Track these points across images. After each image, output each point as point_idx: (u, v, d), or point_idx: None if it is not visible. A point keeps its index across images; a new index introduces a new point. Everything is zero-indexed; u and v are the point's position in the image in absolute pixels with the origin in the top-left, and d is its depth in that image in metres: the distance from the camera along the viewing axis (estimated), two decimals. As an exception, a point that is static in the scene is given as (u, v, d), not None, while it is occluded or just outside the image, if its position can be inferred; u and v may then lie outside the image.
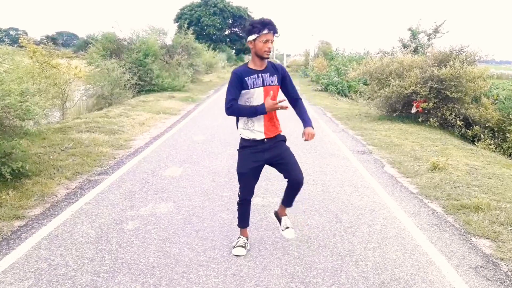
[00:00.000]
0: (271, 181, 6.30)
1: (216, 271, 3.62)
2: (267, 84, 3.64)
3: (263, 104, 3.55)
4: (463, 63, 12.22)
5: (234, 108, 3.62)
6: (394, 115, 13.33)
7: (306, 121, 3.84)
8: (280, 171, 3.93)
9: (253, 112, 3.59)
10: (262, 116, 3.67)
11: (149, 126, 10.62)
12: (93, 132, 9.08)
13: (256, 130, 3.72)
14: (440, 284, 3.57)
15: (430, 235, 4.59)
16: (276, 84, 3.69)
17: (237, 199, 4.06)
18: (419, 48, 20.15)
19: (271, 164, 3.92)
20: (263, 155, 3.79)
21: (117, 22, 22.48)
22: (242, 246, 4.02)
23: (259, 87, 3.63)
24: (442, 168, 7.06)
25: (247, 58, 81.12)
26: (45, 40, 15.32)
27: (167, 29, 24.16)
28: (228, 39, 69.73)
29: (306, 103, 17.65)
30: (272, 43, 3.55)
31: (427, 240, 4.46)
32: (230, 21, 67.98)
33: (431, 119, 12.40)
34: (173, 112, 13.30)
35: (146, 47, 19.78)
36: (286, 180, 3.92)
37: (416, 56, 15.02)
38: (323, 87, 25.34)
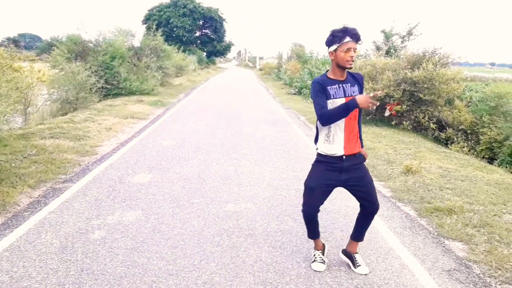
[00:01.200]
0: (243, 187, 6.33)
1: (186, 280, 3.62)
2: (349, 94, 3.52)
3: (354, 99, 3.32)
4: (436, 65, 12.50)
5: (327, 114, 3.43)
6: (368, 118, 13.52)
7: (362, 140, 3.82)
8: (356, 197, 3.78)
9: (345, 109, 3.35)
10: (343, 128, 3.55)
11: (116, 131, 10.52)
12: (57, 138, 8.94)
13: (335, 142, 3.58)
14: (414, 287, 3.65)
15: (403, 239, 4.69)
16: (357, 95, 3.48)
17: (300, 213, 3.95)
18: (391, 50, 20.49)
19: (346, 187, 3.71)
20: (339, 176, 3.63)
21: (83, 24, 22.20)
22: (320, 262, 3.95)
23: (341, 97, 3.50)
24: (415, 171, 7.21)
25: (218, 60, 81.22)
26: (6, 42, 15.04)
27: (135, 30, 23.92)
28: (199, 41, 69.60)
29: (279, 106, 17.81)
30: (355, 51, 3.42)
31: (400, 243, 4.56)
32: (201, 22, 67.91)
33: (404, 122, 12.63)
34: (141, 117, 13.20)
35: (113, 49, 19.56)
36: (360, 207, 3.82)
37: (389, 58, 15.29)
38: (296, 90, 25.52)
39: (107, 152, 8.29)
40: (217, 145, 9.33)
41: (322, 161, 3.69)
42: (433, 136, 12.53)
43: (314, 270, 3.89)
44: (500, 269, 4.05)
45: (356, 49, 3.44)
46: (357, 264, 3.92)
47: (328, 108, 3.46)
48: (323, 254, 4.03)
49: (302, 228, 4.83)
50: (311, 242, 4.46)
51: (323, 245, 4.11)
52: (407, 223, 5.18)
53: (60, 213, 5.04)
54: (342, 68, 3.49)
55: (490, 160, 10.73)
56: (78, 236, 4.43)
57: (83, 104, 14.83)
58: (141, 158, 7.85)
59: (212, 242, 4.41)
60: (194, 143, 9.41)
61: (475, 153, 11.12)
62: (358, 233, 3.96)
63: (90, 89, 15.63)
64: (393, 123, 12.82)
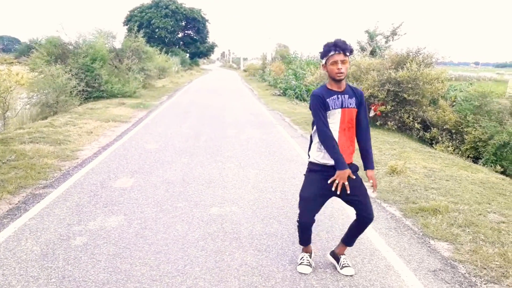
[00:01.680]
0: (228, 190, 6.33)
1: (170, 286, 3.61)
2: (346, 106, 3.57)
3: (345, 164, 3.51)
4: (420, 65, 12.62)
5: (324, 136, 3.55)
6: (353, 119, 13.58)
7: (369, 161, 3.76)
8: (351, 206, 3.81)
9: (333, 158, 3.53)
10: (336, 138, 3.57)
11: (98, 135, 10.45)
12: (37, 143, 8.85)
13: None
14: (399, 288, 3.69)
15: (389, 239, 4.74)
16: (354, 107, 3.60)
17: (296, 223, 3.94)
18: (376, 50, 20.66)
19: (340, 197, 3.70)
20: (332, 185, 3.61)
21: (62, 26, 21.96)
22: (307, 265, 3.97)
23: (338, 108, 3.56)
24: (400, 172, 7.28)
25: (202, 62, 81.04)
26: (-17, 45, 14.84)
27: (116, 32, 23.81)
28: (181, 42, 69.38)
29: (263, 108, 17.82)
30: (343, 63, 3.48)
31: (386, 244, 4.60)
32: (183, 23, 67.68)
33: (389, 123, 12.74)
34: (123, 120, 13.12)
35: (94, 51, 19.43)
36: (356, 216, 3.82)
37: (374, 58, 15.41)
38: (281, 91, 25.58)
39: (88, 157, 8.22)
40: (201, 147, 9.32)
41: (315, 170, 3.72)
42: (418, 136, 12.65)
43: (300, 273, 3.91)
44: (485, 268, 4.10)
45: (344, 61, 3.49)
46: (343, 265, 3.95)
47: (328, 120, 3.56)
48: (310, 258, 4.05)
49: (288, 231, 4.85)
50: (297, 244, 4.47)
51: (311, 250, 4.14)
52: (392, 224, 5.23)
53: (40, 220, 4.99)
54: (334, 80, 3.56)
55: (475, 160, 10.86)
56: (59, 242, 4.39)
57: (63, 108, 14.70)
58: (123, 162, 7.81)
59: (196, 246, 4.40)
60: (178, 146, 9.39)
61: (460, 152, 11.25)
62: (350, 239, 3.98)
63: (71, 92, 15.51)
64: (378, 123, 12.92)
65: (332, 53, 3.48)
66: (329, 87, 3.62)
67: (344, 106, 3.56)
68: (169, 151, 8.85)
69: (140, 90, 22.30)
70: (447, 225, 5.12)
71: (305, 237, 3.98)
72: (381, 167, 7.81)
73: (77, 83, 16.35)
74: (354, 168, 3.70)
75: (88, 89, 18.14)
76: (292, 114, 16.17)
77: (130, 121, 13.06)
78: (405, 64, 12.70)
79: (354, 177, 3.57)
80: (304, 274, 3.89)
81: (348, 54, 3.52)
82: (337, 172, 3.49)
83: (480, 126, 11.16)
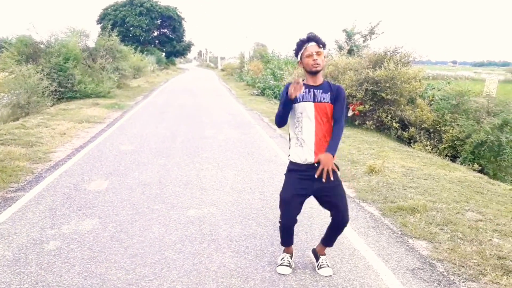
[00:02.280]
0: (206, 191, 6.32)
1: (147, 289, 3.59)
2: (319, 100, 3.58)
3: (286, 87, 3.55)
4: (398, 64, 12.77)
5: (276, 115, 3.68)
6: (332, 118, 13.65)
7: (329, 145, 3.61)
8: (326, 207, 3.84)
9: (282, 102, 3.55)
10: (312, 132, 3.59)
11: (71, 137, 10.33)
12: (8, 145, 8.71)
13: (306, 146, 3.61)
14: (378, 288, 3.73)
15: (368, 239, 4.79)
16: (328, 102, 3.59)
17: (278, 223, 3.96)
18: (354, 49, 20.83)
19: (317, 197, 3.78)
20: (311, 184, 3.66)
21: (33, 24, 21.62)
22: (287, 265, 3.98)
23: (309, 101, 3.58)
24: (379, 171, 7.36)
25: (178, 61, 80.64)
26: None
27: (89, 30, 23.50)
28: (157, 41, 68.91)
29: (242, 108, 17.83)
30: (318, 54, 3.53)
31: (365, 244, 4.65)
32: (159, 21, 67.22)
33: (367, 122, 12.86)
34: (97, 121, 13.00)
35: (66, 51, 19.19)
36: (331, 218, 3.85)
37: (351, 58, 15.54)
38: (259, 91, 25.61)
39: (62, 159, 8.13)
40: (178, 149, 9.28)
41: (294, 169, 3.73)
42: (396, 136, 12.78)
43: (279, 274, 3.93)
44: (463, 266, 4.17)
45: (319, 52, 3.54)
46: (320, 266, 3.99)
47: (297, 112, 3.63)
48: (291, 258, 4.07)
49: (267, 232, 4.87)
50: (276, 245, 4.50)
51: (293, 251, 4.15)
52: (371, 223, 5.29)
53: (12, 224, 4.92)
54: (310, 73, 3.60)
55: (453, 158, 11.02)
56: (32, 247, 4.34)
57: (35, 109, 14.49)
58: (97, 164, 7.74)
59: (173, 249, 4.39)
60: (154, 147, 9.34)
61: (438, 151, 11.40)
62: (328, 240, 4.01)
63: (43, 92, 15.30)
64: (356, 123, 13.03)
65: (306, 45, 3.55)
66: (305, 82, 3.66)
67: (316, 100, 3.59)
68: (145, 153, 8.79)
69: (115, 90, 22.10)
70: (426, 224, 5.19)
71: (286, 238, 4.00)
72: (359, 167, 7.88)
73: (50, 83, 16.13)
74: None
75: (61, 89, 17.92)
76: (271, 114, 16.19)
77: (104, 122, 12.95)
78: (382, 63, 12.83)
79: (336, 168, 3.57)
80: (284, 275, 3.91)
81: (321, 46, 3.57)
82: (289, 90, 3.47)
83: (458, 125, 11.33)
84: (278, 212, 5.41)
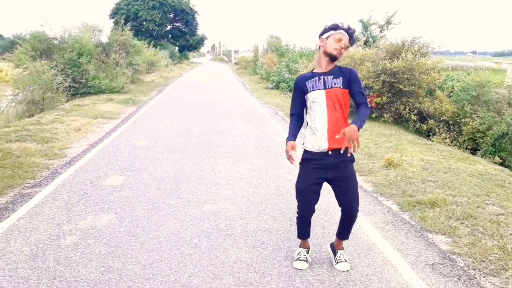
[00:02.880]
0: (221, 186, 6.36)
1: (163, 284, 3.63)
2: (329, 86, 3.59)
3: (288, 139, 3.80)
4: (416, 55, 12.66)
5: (290, 122, 3.89)
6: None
7: (355, 120, 3.51)
8: (335, 195, 3.85)
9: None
10: (325, 120, 3.60)
11: (86, 132, 10.44)
12: (24, 141, 8.84)
13: (319, 134, 3.63)
14: (397, 283, 3.73)
15: (386, 234, 4.79)
16: (340, 87, 3.58)
17: (296, 214, 4.00)
18: (370, 39, 20.70)
19: (330, 184, 3.80)
20: (325, 173, 3.70)
21: (46, 20, 21.81)
22: (303, 260, 4.01)
23: (320, 89, 3.60)
24: (397, 165, 7.34)
25: (192, 55, 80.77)
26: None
27: (102, 25, 23.82)
28: (170, 35, 69.04)
29: (256, 102, 17.84)
30: (345, 48, 3.58)
31: (383, 238, 4.65)
32: (172, 15, 67.31)
33: (385, 115, 12.80)
34: (112, 116, 13.11)
35: (80, 46, 19.36)
36: (340, 208, 3.89)
37: (368, 49, 15.45)
38: (274, 84, 25.58)
39: (77, 154, 8.23)
40: (192, 143, 9.33)
41: (308, 158, 3.75)
42: (415, 128, 12.71)
43: (295, 269, 3.95)
44: (484, 261, 4.15)
45: (347, 45, 3.57)
46: (338, 261, 4.00)
47: (308, 102, 3.69)
48: (307, 253, 4.09)
49: (283, 227, 4.89)
50: (292, 240, 4.53)
51: (309, 246, 4.18)
52: (389, 218, 5.28)
53: (29, 220, 5.00)
54: (328, 56, 3.60)
55: (473, 151, 10.94)
56: (49, 242, 4.41)
57: (50, 105, 14.66)
58: (112, 160, 7.82)
59: (189, 244, 4.43)
60: (168, 142, 9.40)
61: (458, 144, 11.32)
62: (341, 233, 4.03)
63: (57, 88, 15.48)
64: (373, 115, 12.97)
65: (340, 31, 3.57)
66: (314, 70, 3.72)
67: (327, 87, 3.59)
68: (160, 148, 8.86)
69: (129, 85, 22.26)
70: (445, 218, 5.17)
71: (304, 230, 4.03)
72: (377, 160, 7.86)
73: (64, 79, 16.31)
74: (350, 157, 3.68)
75: (75, 85, 18.11)
76: (286, 108, 16.18)
77: (119, 118, 13.05)
78: (400, 54, 12.75)
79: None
80: (300, 269, 3.93)
81: (351, 42, 3.60)
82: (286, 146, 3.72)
83: (478, 116, 11.23)
84: (294, 207, 5.44)
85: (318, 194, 3.82)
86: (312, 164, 3.72)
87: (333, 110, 3.59)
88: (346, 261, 4.00)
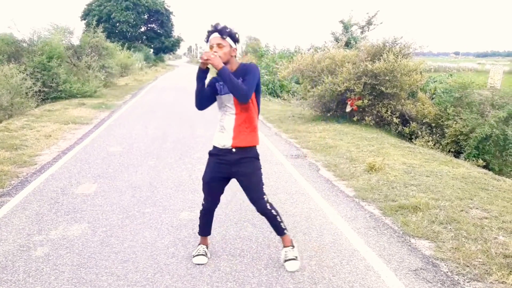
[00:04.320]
0: (199, 193, 6.33)
1: (139, 295, 3.63)
2: None
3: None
4: (397, 56, 12.77)
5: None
6: (329, 115, 13.72)
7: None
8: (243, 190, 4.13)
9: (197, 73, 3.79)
10: (232, 120, 3.84)
11: (57, 139, 10.34)
12: (-10, 149, 8.73)
13: (225, 130, 3.88)
14: (379, 289, 3.78)
15: (368, 239, 4.83)
16: None
17: (201, 207, 4.25)
18: (351, 41, 20.89)
19: (236, 178, 4.06)
20: (229, 168, 3.95)
21: (14, 21, 21.61)
22: (202, 254, 4.23)
23: (227, 93, 3.78)
24: (379, 169, 7.41)
25: (167, 57, 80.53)
26: None
27: (73, 27, 23.50)
28: (144, 37, 68.64)
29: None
30: (219, 47, 3.66)
31: (365, 244, 4.69)
32: (146, 16, 66.92)
33: (366, 118, 12.87)
34: (84, 121, 13.01)
35: (50, 49, 19.20)
36: None
37: (349, 50, 15.56)
38: (253, 87, 25.59)
39: (48, 162, 8.14)
40: (168, 149, 9.31)
41: (213, 153, 4.02)
42: (397, 131, 12.80)
43: (197, 264, 4.16)
44: (468, 266, 4.21)
45: (220, 45, 3.67)
46: (284, 259, 4.17)
47: (219, 104, 3.93)
48: (207, 249, 4.36)
49: (263, 234, 4.91)
50: (272, 247, 4.55)
51: (208, 243, 4.46)
52: (371, 223, 5.33)
53: (-3, 231, 4.94)
54: None
55: (457, 154, 11.10)
56: (19, 254, 4.36)
57: (19, 110, 14.47)
58: (85, 167, 7.76)
59: (166, 253, 4.43)
60: (143, 148, 9.37)
61: (441, 147, 11.45)
62: (274, 229, 4.24)
63: (26, 93, 15.28)
64: (355, 119, 13.05)
65: (210, 37, 3.71)
66: None
67: None
68: (134, 154, 8.82)
69: (101, 89, 22.09)
70: (428, 223, 5.23)
71: (205, 225, 4.34)
72: (358, 164, 7.94)
73: (33, 83, 16.12)
74: (254, 153, 3.99)
75: (45, 89, 17.91)
76: (265, 112, 16.25)
77: (91, 123, 12.96)
78: (381, 56, 12.82)
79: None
80: (202, 264, 4.16)
81: (225, 37, 3.68)
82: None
83: (461, 118, 11.36)
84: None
85: (222, 187, 4.16)
86: (217, 159, 3.97)
87: (241, 112, 3.83)
88: (294, 258, 4.14)
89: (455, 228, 5.06)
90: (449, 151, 11.21)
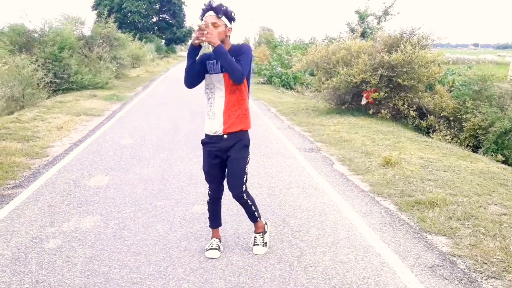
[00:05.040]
0: (210, 186, 6.38)
1: (152, 288, 3.68)
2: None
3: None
4: (415, 47, 12.64)
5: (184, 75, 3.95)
6: (343, 107, 13.69)
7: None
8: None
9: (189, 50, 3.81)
10: (222, 104, 3.87)
11: (69, 130, 10.43)
12: (3, 140, 8.83)
13: (214, 116, 3.91)
14: (395, 286, 3.78)
15: (383, 235, 4.84)
16: None
17: (207, 198, 4.32)
18: (367, 31, 20.76)
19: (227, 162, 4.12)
20: (222, 154, 4.02)
21: (25, 11, 21.76)
22: (215, 248, 4.28)
23: (218, 73, 3.85)
24: (395, 163, 7.39)
25: (179, 48, 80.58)
26: None
27: (84, 17, 23.58)
28: (156, 27, 68.77)
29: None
30: (215, 26, 3.68)
31: (380, 240, 4.70)
32: (158, 6, 67.02)
33: (382, 111, 12.80)
34: (95, 113, 13.10)
35: (61, 39, 19.30)
36: None
37: (365, 41, 15.47)
38: (265, 79, 25.61)
39: (60, 153, 8.23)
40: (180, 142, 9.36)
41: (206, 142, 4.07)
42: (414, 125, 12.72)
43: (210, 258, 4.20)
44: (486, 263, 4.19)
45: (215, 24, 3.70)
46: (253, 243, 4.39)
47: (208, 83, 3.95)
48: (220, 242, 4.41)
49: (276, 228, 4.93)
50: (285, 242, 4.58)
51: (220, 236, 4.55)
52: (387, 219, 5.34)
53: (10, 222, 5.02)
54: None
55: (475, 149, 11.00)
56: (32, 245, 4.43)
57: (30, 101, 14.61)
58: (97, 159, 7.83)
59: (178, 246, 4.47)
60: (155, 141, 9.43)
61: (459, 141, 11.36)
62: (248, 216, 4.39)
63: (38, 84, 15.42)
64: (370, 112, 13.00)
65: (205, 15, 3.73)
66: (211, 52, 3.88)
67: (224, 70, 3.80)
68: (146, 146, 8.88)
69: (113, 80, 22.23)
70: (445, 219, 5.22)
71: (214, 215, 4.41)
72: (374, 159, 7.92)
73: (45, 74, 16.25)
74: (245, 141, 4.03)
75: (57, 80, 18.04)
76: (278, 104, 16.25)
77: (103, 115, 13.05)
78: (398, 47, 12.70)
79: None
80: (214, 258, 4.21)
81: (220, 16, 3.71)
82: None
83: (480, 112, 11.25)
84: (288, 209, 5.54)
85: (223, 173, 4.17)
86: (210, 146, 4.02)
87: (230, 93, 3.85)
88: (262, 244, 4.35)
89: (473, 225, 5.04)
90: (467, 145, 11.12)
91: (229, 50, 3.82)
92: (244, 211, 4.32)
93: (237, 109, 3.89)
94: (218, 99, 3.89)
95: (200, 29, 3.55)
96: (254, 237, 4.42)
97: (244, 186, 4.09)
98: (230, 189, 4.10)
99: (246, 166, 4.09)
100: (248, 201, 4.18)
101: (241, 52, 3.79)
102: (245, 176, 4.10)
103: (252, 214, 4.30)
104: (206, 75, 3.92)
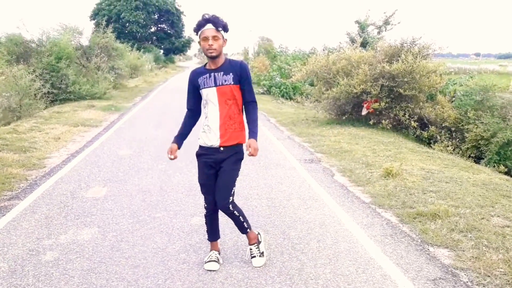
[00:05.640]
0: (209, 198, 6.38)
1: (150, 302, 3.67)
2: (220, 83, 3.87)
3: (174, 140, 4.39)
4: (416, 56, 12.66)
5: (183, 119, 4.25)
6: (344, 118, 13.71)
7: (251, 130, 3.96)
8: None
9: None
10: (217, 117, 3.93)
11: (66, 141, 10.44)
12: (0, 151, 8.85)
13: (211, 129, 3.98)
14: (396, 298, 3.79)
15: (385, 247, 4.83)
16: (231, 83, 3.89)
17: (204, 211, 4.32)
18: (368, 40, 20.84)
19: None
20: (217, 165, 4.08)
21: (23, 21, 21.83)
22: (214, 261, 4.28)
23: (211, 87, 3.88)
24: (396, 174, 7.39)
25: (178, 58, 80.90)
26: None
27: (82, 27, 23.67)
28: (154, 37, 69.09)
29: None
30: (215, 39, 3.73)
31: (382, 252, 4.69)
32: (156, 16, 67.40)
33: (383, 121, 12.81)
34: (93, 124, 13.12)
35: (59, 49, 19.37)
36: None
37: (365, 51, 15.51)
38: (265, 89, 25.66)
39: (57, 165, 8.23)
40: (179, 153, 9.30)
41: (201, 153, 4.16)
42: (415, 135, 12.72)
43: (209, 270, 4.20)
44: (489, 276, 4.18)
45: (216, 37, 3.75)
46: (250, 256, 4.38)
47: (202, 99, 4.04)
48: (219, 254, 4.41)
49: (275, 241, 4.93)
50: (285, 255, 4.57)
51: (219, 249, 4.53)
52: (388, 231, 5.33)
53: (7, 234, 5.01)
54: (207, 57, 3.84)
55: (477, 159, 11.01)
56: (29, 258, 4.43)
57: (27, 112, 14.63)
58: (94, 170, 7.83)
59: (177, 259, 4.47)
60: (154, 152, 9.43)
61: (461, 152, 11.37)
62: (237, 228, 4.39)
63: (35, 94, 15.44)
64: (371, 122, 13.00)
65: (203, 28, 3.75)
66: (206, 66, 3.97)
67: (218, 84, 3.87)
68: (145, 157, 8.89)
69: (111, 91, 22.27)
70: (448, 231, 5.21)
71: (213, 228, 4.41)
72: (375, 170, 7.92)
73: (42, 85, 16.29)
74: (240, 155, 4.10)
75: (54, 91, 18.09)
76: (278, 114, 16.27)
77: (101, 125, 13.06)
78: (399, 57, 12.73)
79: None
80: (213, 270, 4.19)
81: (220, 29, 3.77)
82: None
83: (482, 123, 11.27)
84: (288, 220, 5.54)
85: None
86: (205, 158, 4.10)
87: (225, 108, 3.92)
88: (259, 255, 4.36)
89: (475, 237, 5.03)
90: (469, 156, 11.13)
91: (223, 64, 3.90)
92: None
93: (233, 123, 3.95)
94: (212, 113, 3.96)
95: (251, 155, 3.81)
96: (249, 249, 4.41)
97: (231, 198, 4.10)
98: (217, 199, 4.10)
99: (236, 179, 4.14)
100: (235, 211, 4.17)
101: (245, 77, 3.95)
102: (234, 189, 4.13)
103: (241, 225, 4.29)
104: (200, 91, 3.98)
